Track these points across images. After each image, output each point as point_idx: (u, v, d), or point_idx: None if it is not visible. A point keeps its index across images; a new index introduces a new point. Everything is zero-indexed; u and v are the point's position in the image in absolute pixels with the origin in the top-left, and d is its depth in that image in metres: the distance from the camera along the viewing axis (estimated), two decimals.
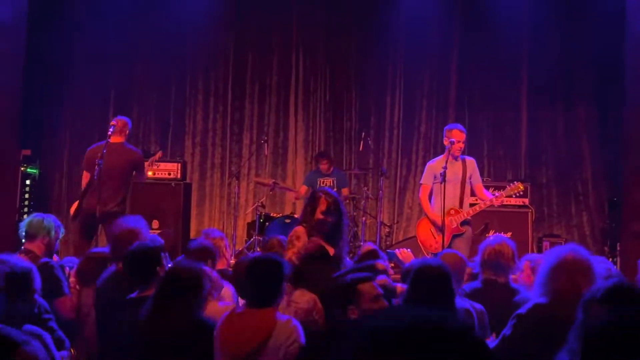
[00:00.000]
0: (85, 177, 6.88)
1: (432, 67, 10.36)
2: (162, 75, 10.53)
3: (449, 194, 6.32)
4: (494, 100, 10.22)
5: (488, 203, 6.51)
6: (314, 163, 9.93)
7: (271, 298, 3.41)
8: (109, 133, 6.64)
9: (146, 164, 7.39)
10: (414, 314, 1.25)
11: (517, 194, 6.78)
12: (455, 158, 6.62)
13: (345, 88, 10.49)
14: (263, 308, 3.36)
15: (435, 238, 6.50)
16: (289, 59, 10.53)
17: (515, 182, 6.83)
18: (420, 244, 6.59)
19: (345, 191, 9.24)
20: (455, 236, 6.44)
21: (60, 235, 4.84)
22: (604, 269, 4.09)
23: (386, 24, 10.29)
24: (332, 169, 9.38)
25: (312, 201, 4.65)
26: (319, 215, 4.53)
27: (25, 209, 8.98)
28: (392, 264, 7.23)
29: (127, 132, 7.01)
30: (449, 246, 6.35)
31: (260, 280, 3.42)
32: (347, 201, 9.25)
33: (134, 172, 6.96)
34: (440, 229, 6.37)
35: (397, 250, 5.32)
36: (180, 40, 10.41)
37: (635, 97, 8.19)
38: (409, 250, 5.24)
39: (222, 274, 4.39)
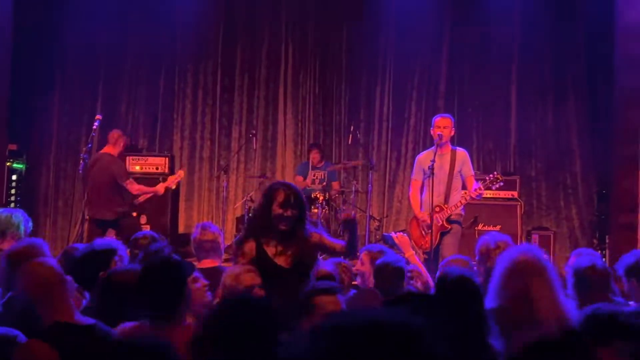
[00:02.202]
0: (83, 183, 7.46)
1: (422, 60, 10.32)
2: (150, 69, 10.47)
3: (435, 190, 6.23)
4: (484, 93, 10.21)
5: (467, 198, 6.41)
6: (306, 154, 9.91)
7: (171, 310, 2.96)
8: (94, 127, 6.87)
9: (167, 183, 7.53)
10: (375, 314, 1.23)
11: (497, 186, 6.63)
12: (441, 146, 6.46)
13: (334, 81, 10.44)
14: (172, 322, 2.92)
15: (424, 236, 6.42)
16: (278, 51, 10.47)
17: (493, 173, 6.70)
18: (413, 242, 6.53)
19: (335, 185, 9.22)
20: (442, 234, 6.36)
21: (29, 230, 4.77)
22: (588, 260, 4.06)
23: (376, 16, 10.24)
24: (323, 162, 9.37)
25: (267, 194, 4.04)
26: (276, 210, 3.95)
27: (12, 205, 8.90)
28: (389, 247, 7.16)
29: (122, 144, 7.47)
30: (438, 244, 6.31)
31: (158, 288, 2.95)
32: (337, 195, 9.24)
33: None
34: (428, 228, 6.32)
35: (393, 233, 5.28)
36: (169, 33, 10.34)
37: (624, 89, 8.21)
38: (405, 234, 5.20)
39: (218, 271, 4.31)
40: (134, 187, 7.23)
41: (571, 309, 3.10)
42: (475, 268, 4.61)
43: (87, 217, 7.16)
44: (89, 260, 3.65)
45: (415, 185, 6.64)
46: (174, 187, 7.90)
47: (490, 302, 3.12)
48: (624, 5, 8.22)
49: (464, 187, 6.61)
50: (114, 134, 7.45)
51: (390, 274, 4.10)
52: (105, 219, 7.16)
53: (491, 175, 6.54)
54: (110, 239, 5.07)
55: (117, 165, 7.35)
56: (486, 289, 3.48)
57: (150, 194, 7.44)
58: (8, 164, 9.10)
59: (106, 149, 7.39)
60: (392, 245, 5.30)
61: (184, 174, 8.28)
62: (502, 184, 6.64)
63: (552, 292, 3.03)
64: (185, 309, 3.04)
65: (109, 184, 7.16)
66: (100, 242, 3.93)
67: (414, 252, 5.10)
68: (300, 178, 9.39)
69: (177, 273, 3.03)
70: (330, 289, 3.09)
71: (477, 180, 6.65)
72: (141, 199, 7.42)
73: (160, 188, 7.45)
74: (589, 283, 3.87)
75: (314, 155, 9.29)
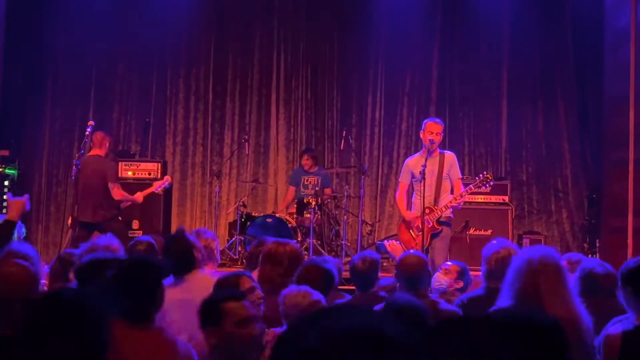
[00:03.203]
0: (74, 188, 7.28)
1: (413, 65, 10.38)
2: (142, 75, 10.47)
3: (425, 192, 6.28)
4: (475, 98, 10.28)
5: (459, 199, 6.41)
6: (298, 160, 9.93)
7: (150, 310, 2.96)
8: (87, 133, 6.86)
9: (151, 189, 7.51)
10: (358, 319, 1.20)
11: (488, 185, 6.64)
12: (431, 151, 6.49)
13: (326, 86, 10.48)
14: (142, 325, 2.91)
15: (415, 239, 6.43)
16: (270, 57, 10.50)
17: (483, 173, 6.70)
18: (403, 245, 6.55)
19: (328, 191, 9.25)
20: (432, 235, 6.40)
21: (22, 236, 4.74)
22: (598, 263, 4.08)
23: (368, 22, 10.30)
24: (317, 167, 9.40)
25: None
26: None
27: (4, 211, 8.88)
28: (382, 256, 7.23)
29: (107, 145, 7.44)
30: (429, 246, 6.34)
31: (137, 287, 2.92)
32: (329, 200, 9.27)
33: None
34: (420, 230, 6.32)
35: (386, 242, 5.30)
36: (161, 38, 10.35)
37: (614, 93, 8.26)
38: (398, 242, 5.23)
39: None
40: (118, 192, 7.19)
41: (583, 310, 3.13)
42: (468, 273, 4.64)
43: (75, 219, 7.10)
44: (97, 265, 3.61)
45: (402, 188, 6.67)
46: (160, 192, 7.86)
47: (503, 301, 3.15)
48: (613, 11, 8.29)
49: (452, 191, 6.63)
50: (98, 135, 7.39)
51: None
52: (92, 222, 7.12)
53: (481, 175, 6.55)
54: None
55: (109, 166, 7.37)
56: (495, 294, 3.49)
57: (129, 202, 7.42)
58: (0, 169, 9.09)
59: (94, 152, 7.36)
60: (385, 253, 5.31)
61: (171, 179, 8.29)
62: (492, 183, 6.65)
63: (563, 292, 3.06)
64: (155, 312, 2.99)
65: (100, 186, 7.14)
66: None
67: None
68: (293, 189, 9.45)
69: (150, 275, 2.99)
70: (237, 294, 2.94)
71: (464, 184, 6.68)
72: (124, 204, 7.43)
73: (139, 197, 7.41)
74: (599, 288, 3.87)
75: (306, 161, 9.32)
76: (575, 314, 3.01)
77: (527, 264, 3.13)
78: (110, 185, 7.14)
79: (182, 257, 4.08)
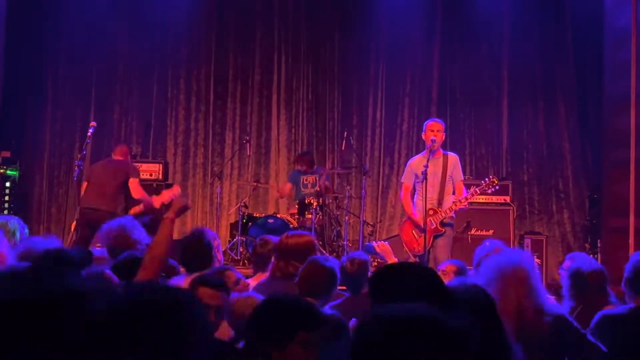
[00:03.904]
0: (84, 188, 7.39)
1: (413, 66, 10.39)
2: (143, 75, 10.48)
3: (427, 194, 6.27)
4: (476, 98, 10.28)
5: (464, 201, 6.40)
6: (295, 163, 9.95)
7: None
8: (89, 134, 6.93)
9: (162, 198, 7.60)
10: (420, 309, 1.37)
11: (493, 189, 6.64)
12: (434, 151, 6.48)
13: (327, 87, 10.49)
14: None
15: (417, 239, 6.43)
16: (271, 58, 10.52)
17: (489, 177, 6.68)
18: (404, 245, 6.55)
19: (326, 183, 9.25)
20: (436, 237, 6.38)
21: (25, 237, 4.74)
22: (587, 263, 4.13)
23: (368, 23, 10.31)
24: (314, 167, 9.41)
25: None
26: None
27: (6, 212, 8.89)
28: (371, 257, 7.23)
29: (129, 157, 7.83)
30: (431, 247, 6.34)
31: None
32: (331, 201, 9.28)
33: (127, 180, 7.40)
34: (422, 230, 6.32)
35: (374, 242, 5.28)
36: (162, 39, 10.38)
37: (614, 93, 8.27)
38: (386, 242, 5.21)
39: None
40: (138, 189, 7.28)
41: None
42: (466, 272, 4.64)
43: (78, 219, 7.11)
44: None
45: (405, 189, 6.66)
46: (167, 202, 7.93)
47: None
48: (613, 11, 8.29)
49: (454, 193, 6.62)
50: (124, 147, 7.77)
51: None
52: (96, 208, 7.11)
53: (487, 179, 6.54)
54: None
55: (132, 165, 7.60)
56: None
57: (142, 204, 7.43)
58: (1, 171, 9.10)
59: (114, 157, 7.58)
60: (374, 254, 5.28)
61: (178, 191, 8.38)
62: (497, 187, 6.63)
63: (525, 294, 3.11)
64: None
65: (115, 181, 7.24)
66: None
67: (396, 259, 5.09)
68: (289, 185, 9.46)
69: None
70: (217, 284, 2.99)
71: (466, 186, 6.68)
72: (135, 210, 7.40)
73: (156, 201, 7.41)
74: (587, 286, 3.92)
75: (300, 166, 9.36)
76: (537, 309, 3.08)
77: (498, 272, 3.19)
78: (131, 180, 7.31)
79: (199, 255, 4.14)
